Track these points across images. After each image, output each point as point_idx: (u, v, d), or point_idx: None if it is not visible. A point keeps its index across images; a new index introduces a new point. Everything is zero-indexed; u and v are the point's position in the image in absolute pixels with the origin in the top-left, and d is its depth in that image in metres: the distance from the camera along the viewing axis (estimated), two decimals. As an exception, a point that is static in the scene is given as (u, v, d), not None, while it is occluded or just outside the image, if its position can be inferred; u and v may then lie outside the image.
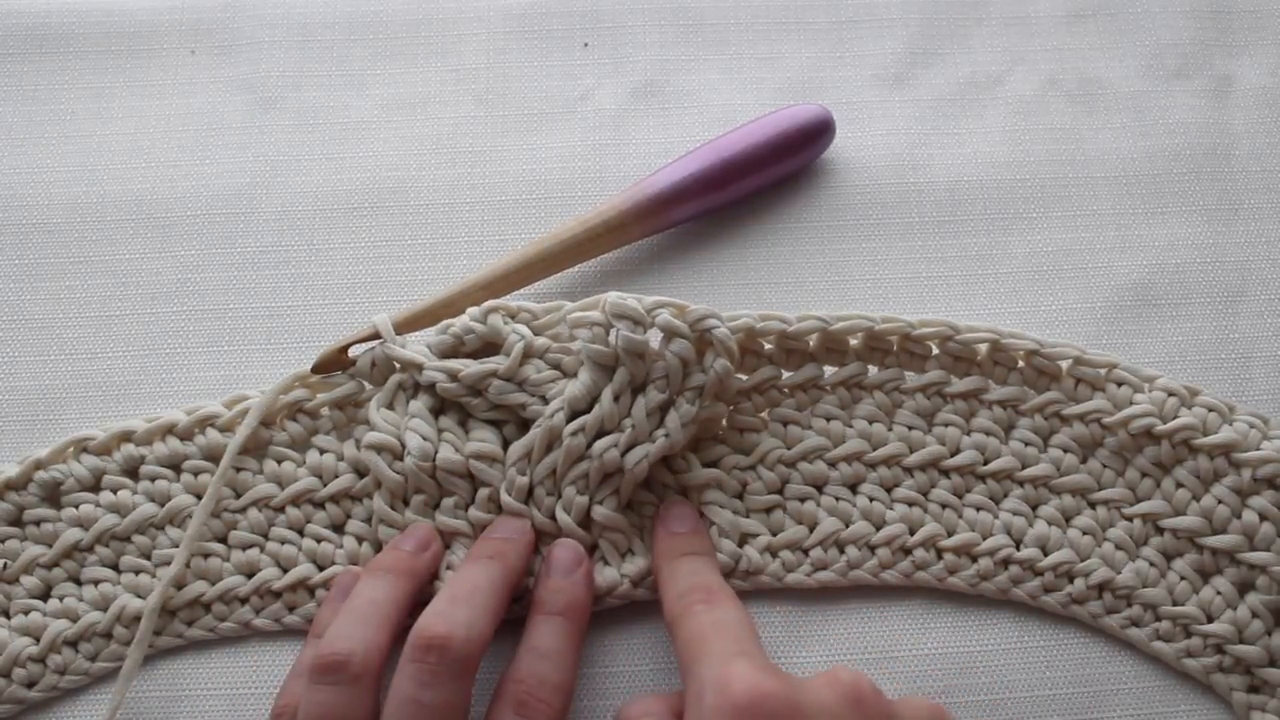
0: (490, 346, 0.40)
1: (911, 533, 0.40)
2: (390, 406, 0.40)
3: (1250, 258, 0.47)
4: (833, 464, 0.41)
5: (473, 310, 0.40)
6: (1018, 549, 0.40)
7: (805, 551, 0.40)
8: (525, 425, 0.40)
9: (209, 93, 0.51)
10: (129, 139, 0.49)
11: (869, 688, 0.33)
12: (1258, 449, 0.39)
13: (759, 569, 0.40)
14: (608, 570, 0.39)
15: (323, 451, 0.41)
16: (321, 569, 0.40)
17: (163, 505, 0.40)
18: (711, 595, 0.36)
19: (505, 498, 0.39)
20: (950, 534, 0.40)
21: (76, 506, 0.40)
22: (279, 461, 0.41)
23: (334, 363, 0.41)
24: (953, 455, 0.41)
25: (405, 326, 0.42)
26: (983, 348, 0.41)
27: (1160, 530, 0.40)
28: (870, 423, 0.41)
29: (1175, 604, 0.39)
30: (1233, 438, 0.39)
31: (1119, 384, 0.40)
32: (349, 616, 0.35)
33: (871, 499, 0.41)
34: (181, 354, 0.45)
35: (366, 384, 0.41)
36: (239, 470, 0.41)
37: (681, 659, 0.34)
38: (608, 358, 0.38)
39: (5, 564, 0.40)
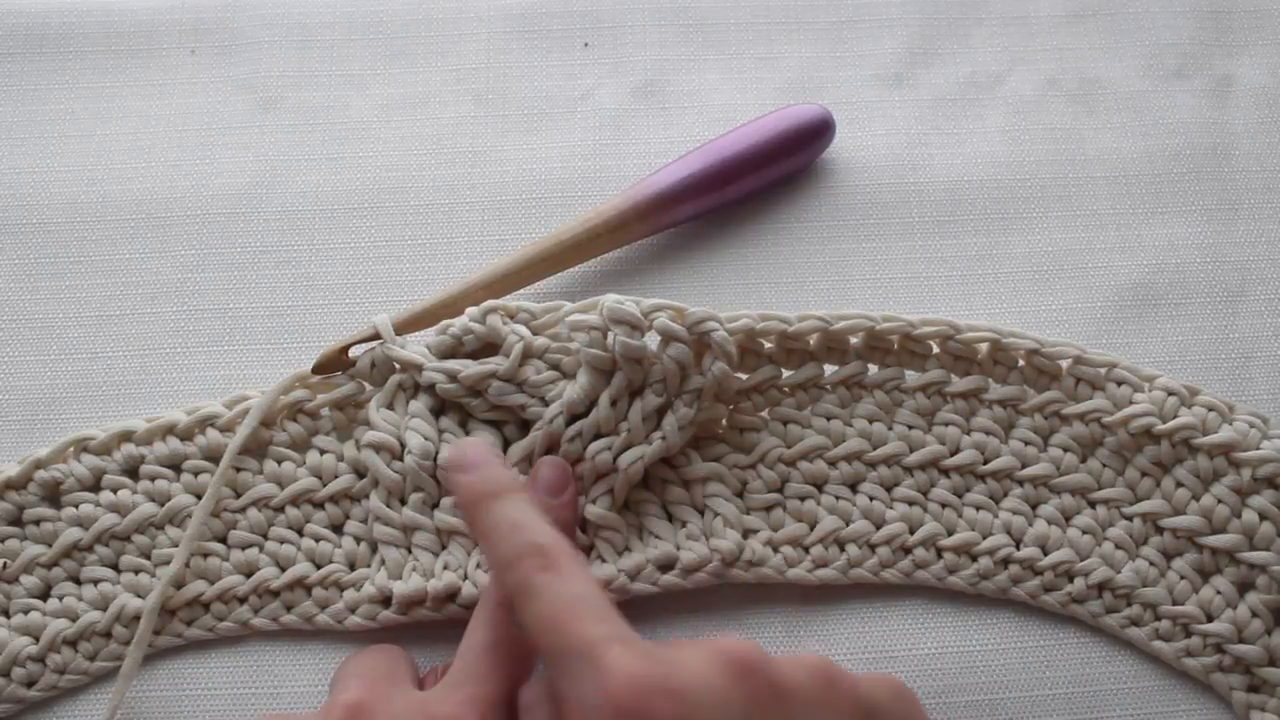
0: (489, 347, 0.40)
1: (911, 532, 0.40)
2: (390, 407, 0.40)
3: (1250, 258, 0.47)
4: (833, 463, 0.41)
5: (471, 310, 0.40)
6: (1017, 548, 0.40)
7: (805, 549, 0.40)
8: (525, 426, 0.40)
9: (209, 93, 0.51)
10: (129, 139, 0.49)
11: (758, 657, 0.29)
12: (1257, 448, 0.39)
13: (762, 560, 0.40)
14: (604, 566, 0.39)
15: (323, 452, 0.41)
16: (319, 568, 0.40)
17: (163, 505, 0.40)
18: (548, 558, 0.31)
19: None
20: (950, 533, 0.40)
21: (76, 506, 0.40)
22: (279, 462, 0.41)
23: (334, 363, 0.41)
24: (952, 454, 0.41)
25: (405, 327, 0.42)
26: (983, 347, 0.41)
27: (1160, 530, 0.40)
28: (870, 422, 0.41)
29: (1175, 603, 0.39)
30: (1233, 437, 0.39)
31: (1119, 383, 0.40)
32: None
33: (871, 498, 0.41)
34: (181, 354, 0.45)
35: (366, 384, 0.41)
36: (239, 470, 0.41)
37: (537, 644, 0.30)
38: (605, 362, 0.38)
39: (5, 564, 0.40)
